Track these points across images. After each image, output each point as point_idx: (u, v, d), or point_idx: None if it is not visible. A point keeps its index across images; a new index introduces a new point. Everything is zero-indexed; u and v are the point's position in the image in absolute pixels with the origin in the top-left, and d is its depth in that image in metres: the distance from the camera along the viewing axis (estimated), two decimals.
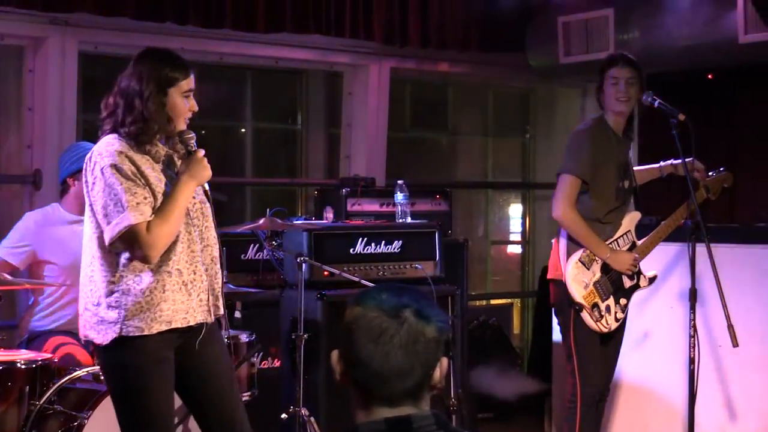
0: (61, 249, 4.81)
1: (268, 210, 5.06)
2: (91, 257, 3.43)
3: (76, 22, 5.51)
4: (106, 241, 3.34)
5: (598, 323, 4.59)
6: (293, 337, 4.79)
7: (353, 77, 6.66)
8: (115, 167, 3.32)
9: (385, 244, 5.40)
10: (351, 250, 5.29)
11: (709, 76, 6.63)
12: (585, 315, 4.58)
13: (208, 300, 3.51)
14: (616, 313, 4.66)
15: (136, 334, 3.35)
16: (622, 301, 4.69)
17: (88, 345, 4.52)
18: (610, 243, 4.66)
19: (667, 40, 6.13)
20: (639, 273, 4.75)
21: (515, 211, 8.04)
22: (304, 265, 4.78)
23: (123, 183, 3.31)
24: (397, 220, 5.63)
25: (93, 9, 5.38)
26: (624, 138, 4.77)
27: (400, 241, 5.44)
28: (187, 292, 3.44)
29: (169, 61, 3.45)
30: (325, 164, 6.87)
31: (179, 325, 3.42)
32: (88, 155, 3.44)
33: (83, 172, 3.46)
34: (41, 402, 4.21)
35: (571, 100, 7.74)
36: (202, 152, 3.47)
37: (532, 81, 7.38)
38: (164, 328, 3.39)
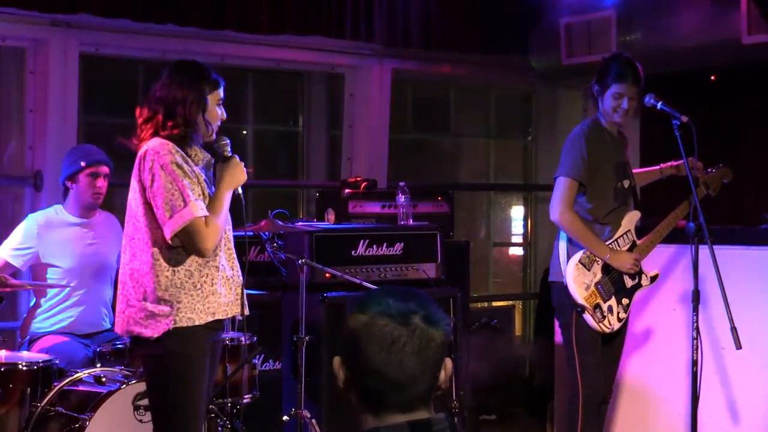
0: (64, 251, 4.81)
1: (269, 212, 5.05)
2: (138, 254, 3.59)
3: (78, 23, 5.50)
4: (168, 234, 3.51)
5: (600, 324, 4.59)
6: (295, 339, 4.78)
7: (355, 79, 6.64)
8: (175, 164, 3.52)
9: (387, 246, 5.39)
10: (353, 252, 5.28)
11: (713, 78, 6.61)
12: (587, 316, 4.57)
13: (241, 295, 3.75)
14: (618, 313, 4.65)
15: (188, 324, 3.55)
16: (624, 300, 4.69)
17: (92, 348, 4.52)
18: (610, 243, 4.65)
19: (670, 42, 6.11)
20: (640, 272, 4.75)
21: (517, 213, 8.03)
22: (305, 267, 4.77)
23: (184, 179, 3.51)
24: (398, 222, 5.62)
25: (94, 11, 5.38)
26: (619, 137, 4.77)
27: (402, 243, 5.42)
28: (229, 287, 3.70)
29: (205, 72, 3.67)
30: (326, 166, 6.86)
31: (221, 317, 3.66)
32: (142, 154, 3.57)
33: (136, 170, 3.60)
34: (42, 404, 4.21)
35: (574, 102, 7.72)
36: (237, 157, 3.70)
37: (534, 83, 7.36)
38: (210, 319, 3.61)
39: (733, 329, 4.35)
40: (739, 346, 4.36)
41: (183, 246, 3.56)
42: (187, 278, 3.57)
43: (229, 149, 3.71)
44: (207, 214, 3.54)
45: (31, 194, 5.55)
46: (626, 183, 4.74)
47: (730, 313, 4.34)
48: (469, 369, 5.74)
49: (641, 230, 4.79)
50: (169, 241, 3.53)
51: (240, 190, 3.74)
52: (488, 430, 6.17)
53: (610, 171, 4.68)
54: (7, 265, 4.79)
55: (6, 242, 4.86)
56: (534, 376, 6.98)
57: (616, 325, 4.65)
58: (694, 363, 4.52)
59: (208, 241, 3.53)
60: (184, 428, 3.61)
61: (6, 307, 5.17)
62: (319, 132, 6.86)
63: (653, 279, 4.80)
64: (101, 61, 5.97)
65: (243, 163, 3.72)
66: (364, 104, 6.62)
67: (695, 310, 4.52)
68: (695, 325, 4.50)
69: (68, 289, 4.80)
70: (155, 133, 3.59)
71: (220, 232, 3.59)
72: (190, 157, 3.62)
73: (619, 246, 4.68)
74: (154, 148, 3.55)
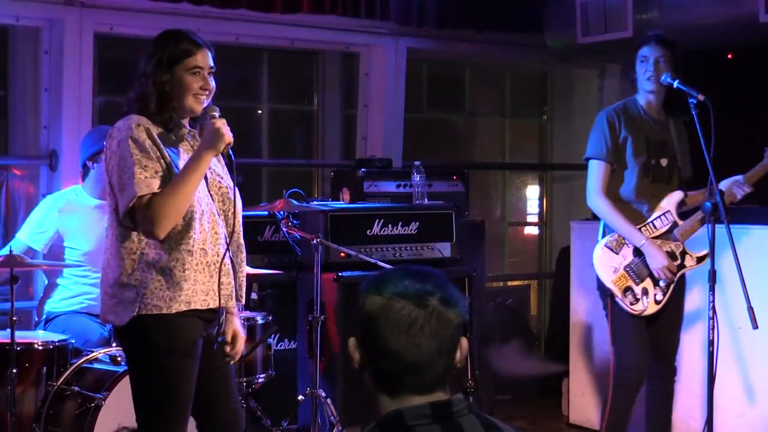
0: (83, 234, 4.81)
1: (284, 191, 5.05)
2: (111, 237, 3.33)
3: (92, 3, 5.50)
4: (120, 216, 3.26)
5: (632, 307, 4.52)
6: (310, 318, 4.78)
7: (370, 58, 6.62)
8: (131, 139, 3.23)
9: (402, 226, 5.38)
10: (368, 232, 5.28)
11: (729, 56, 6.56)
12: (618, 300, 4.52)
13: (234, 284, 3.42)
14: (655, 295, 4.56)
15: (154, 312, 3.24)
16: (662, 283, 4.59)
17: (107, 328, 4.54)
18: (645, 225, 4.57)
19: (687, 20, 6.07)
20: (684, 252, 4.66)
21: (532, 192, 8.01)
22: (320, 246, 4.77)
23: (136, 155, 3.22)
24: (414, 202, 5.61)
25: None
26: (662, 116, 4.66)
27: (417, 223, 5.42)
28: (210, 273, 3.34)
29: (175, 39, 3.35)
30: (341, 145, 6.85)
31: (199, 307, 3.31)
32: (109, 132, 3.33)
33: (105, 150, 3.35)
34: (58, 383, 4.23)
35: (589, 81, 7.69)
36: (220, 121, 3.30)
37: (549, 61, 7.32)
38: (183, 308, 3.27)
39: (750, 309, 4.32)
40: (755, 326, 4.33)
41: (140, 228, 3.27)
42: (155, 263, 3.25)
43: (217, 114, 3.32)
44: (154, 191, 3.20)
45: (46, 174, 5.56)
46: (664, 161, 4.63)
47: (747, 293, 4.32)
48: (484, 348, 5.73)
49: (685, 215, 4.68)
50: (122, 222, 3.25)
51: (230, 151, 3.30)
52: (503, 410, 6.17)
53: (640, 146, 4.56)
54: (30, 249, 4.79)
55: (26, 226, 4.87)
56: (549, 355, 6.97)
57: (652, 308, 4.55)
58: (711, 343, 4.49)
59: (152, 221, 3.19)
60: (162, 425, 3.32)
61: (22, 287, 5.19)
62: (333, 111, 6.84)
63: (700, 260, 4.67)
64: (116, 40, 5.96)
65: (224, 125, 3.28)
66: (379, 83, 6.60)
67: (712, 289, 4.48)
68: (712, 304, 4.47)
69: (85, 269, 4.81)
70: (135, 109, 3.32)
71: (175, 210, 3.21)
72: (173, 132, 3.33)
73: (655, 227, 4.58)
74: (118, 125, 3.29)
